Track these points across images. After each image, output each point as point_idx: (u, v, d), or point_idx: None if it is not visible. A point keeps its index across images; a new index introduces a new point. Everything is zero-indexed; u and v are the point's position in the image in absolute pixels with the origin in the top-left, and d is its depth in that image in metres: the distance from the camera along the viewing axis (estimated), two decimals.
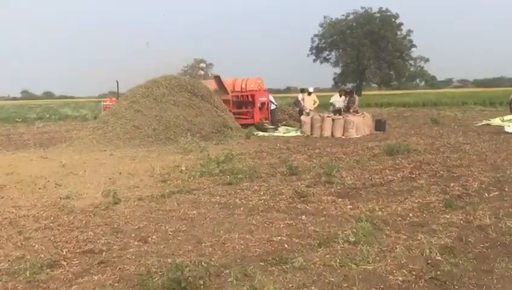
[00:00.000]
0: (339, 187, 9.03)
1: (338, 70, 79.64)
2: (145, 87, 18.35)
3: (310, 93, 22.25)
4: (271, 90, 24.37)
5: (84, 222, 6.95)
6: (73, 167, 12.00)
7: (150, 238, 6.18)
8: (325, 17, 78.08)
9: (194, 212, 7.40)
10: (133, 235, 6.33)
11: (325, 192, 8.65)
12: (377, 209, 7.41)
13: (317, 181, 9.59)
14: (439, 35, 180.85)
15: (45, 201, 8.32)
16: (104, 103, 24.84)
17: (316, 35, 78.47)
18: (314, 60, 79.28)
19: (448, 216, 6.94)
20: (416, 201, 7.89)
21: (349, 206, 7.60)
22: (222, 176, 10.33)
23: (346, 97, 21.90)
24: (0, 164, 12.67)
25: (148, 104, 17.40)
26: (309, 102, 21.82)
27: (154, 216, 7.22)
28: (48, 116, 35.12)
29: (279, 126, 22.06)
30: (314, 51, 78.77)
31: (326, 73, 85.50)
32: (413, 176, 10.05)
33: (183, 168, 11.39)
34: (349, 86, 74.30)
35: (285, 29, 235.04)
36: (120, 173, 11.01)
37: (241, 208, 7.61)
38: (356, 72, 76.78)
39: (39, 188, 9.45)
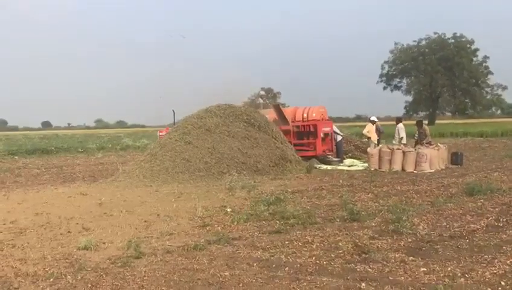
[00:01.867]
0: (409, 239, 7.41)
1: (409, 98, 77.00)
2: (198, 117, 17.21)
3: (373, 123, 20.54)
4: (340, 119, 22.64)
5: (89, 285, 5.65)
6: (111, 206, 10.89)
7: None
8: (395, 43, 75.97)
9: (227, 273, 5.97)
10: None
11: (392, 246, 7.05)
12: (459, 274, 5.78)
13: (383, 230, 8.00)
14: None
15: (59, 252, 7.12)
16: (160, 133, 23.97)
17: (386, 62, 76.41)
18: (385, 88, 77.14)
19: None
20: (509, 262, 6.21)
21: (422, 269, 5.99)
22: (271, 220, 8.91)
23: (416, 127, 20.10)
24: (36, 201, 11.74)
25: (200, 135, 16.24)
26: (374, 132, 20.14)
27: (177, 279, 5.83)
28: (110, 146, 34.75)
29: (344, 158, 20.45)
30: (384, 78, 76.62)
31: (397, 101, 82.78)
32: (500, 224, 8.32)
33: (229, 209, 10.04)
34: (421, 114, 71.79)
35: (354, 56, 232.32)
36: (158, 215, 9.78)
37: (286, 268, 6.13)
38: (429, 100, 73.85)
39: (61, 234, 8.31)
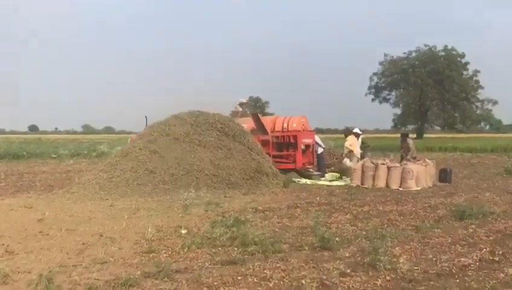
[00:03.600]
0: (387, 277, 6.12)
1: (398, 110, 75.88)
2: (166, 124, 15.80)
3: (356, 135, 19.20)
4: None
5: None
6: (52, 222, 9.56)
7: None
8: (385, 54, 74.87)
9: None
10: None
11: (365, 286, 5.79)
12: None
13: (358, 263, 6.73)
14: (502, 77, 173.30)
15: None
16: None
17: (375, 74, 75.29)
18: (373, 100, 75.94)
19: None
20: None
21: None
22: (229, 247, 7.60)
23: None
24: None
25: (167, 144, 14.84)
26: (357, 145, 18.86)
27: None
28: (85, 152, 33.22)
29: (326, 173, 19.16)
30: (373, 90, 75.48)
31: (388, 113, 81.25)
32: (496, 258, 7.07)
33: (183, 231, 8.73)
34: (410, 128, 70.86)
35: (344, 67, 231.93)
36: (101, 236, 8.47)
37: None
38: (418, 113, 72.77)
39: None
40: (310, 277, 6.10)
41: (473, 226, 9.23)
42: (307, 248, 7.54)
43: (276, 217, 10.33)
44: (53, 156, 31.10)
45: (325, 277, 6.06)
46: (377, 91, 75.31)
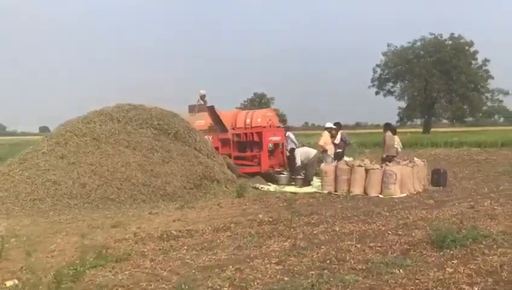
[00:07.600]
0: None
1: (403, 104, 72.10)
2: (84, 121, 12.83)
3: (330, 130, 15.96)
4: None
5: None
6: None
7: None
8: (388, 44, 70.72)
9: None
10: None
11: None
12: None
13: None
14: None
15: None
16: None
17: (378, 65, 71.43)
18: (377, 93, 72.15)
19: None
20: None
21: None
22: None
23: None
24: None
25: (81, 147, 11.89)
26: (331, 143, 15.69)
27: None
28: None
29: (301, 175, 16.10)
30: (376, 83, 71.71)
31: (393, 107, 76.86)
32: None
33: (10, 283, 5.81)
34: (417, 121, 67.32)
35: (352, 61, 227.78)
36: None
37: None
38: (424, 106, 69.00)
39: None
40: None
41: (455, 261, 6.30)
42: None
43: (185, 248, 7.44)
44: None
45: None
46: (380, 83, 71.41)
